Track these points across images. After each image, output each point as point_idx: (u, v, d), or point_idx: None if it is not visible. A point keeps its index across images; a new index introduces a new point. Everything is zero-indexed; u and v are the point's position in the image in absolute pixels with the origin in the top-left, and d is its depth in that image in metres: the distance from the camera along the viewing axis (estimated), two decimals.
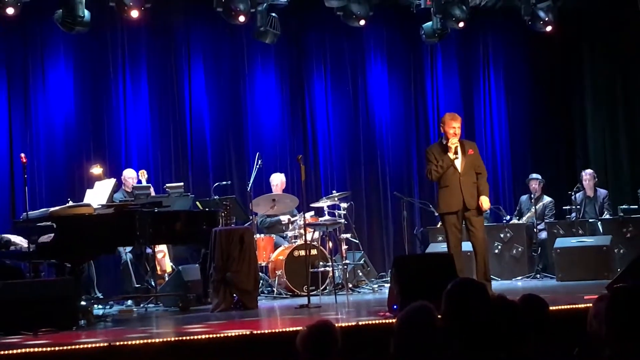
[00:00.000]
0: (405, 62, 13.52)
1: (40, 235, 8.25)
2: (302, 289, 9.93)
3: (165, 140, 11.99)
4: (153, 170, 11.56)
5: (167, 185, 10.21)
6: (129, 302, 10.03)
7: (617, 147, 13.76)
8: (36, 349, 5.83)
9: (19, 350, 5.79)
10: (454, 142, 8.60)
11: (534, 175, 12.54)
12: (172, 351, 5.99)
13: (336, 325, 4.35)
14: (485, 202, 8.71)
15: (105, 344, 5.94)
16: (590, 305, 3.12)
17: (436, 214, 10.64)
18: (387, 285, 9.24)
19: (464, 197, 8.55)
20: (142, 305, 9.77)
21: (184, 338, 6.23)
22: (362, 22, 11.92)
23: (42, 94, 11.38)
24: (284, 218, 11.26)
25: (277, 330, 6.54)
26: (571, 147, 14.14)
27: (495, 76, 13.98)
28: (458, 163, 8.61)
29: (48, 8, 10.79)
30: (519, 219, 12.40)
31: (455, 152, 8.59)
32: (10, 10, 10.20)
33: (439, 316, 3.59)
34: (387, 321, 6.63)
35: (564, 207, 12.17)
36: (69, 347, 5.88)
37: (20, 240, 8.39)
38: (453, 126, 8.62)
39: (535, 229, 12.00)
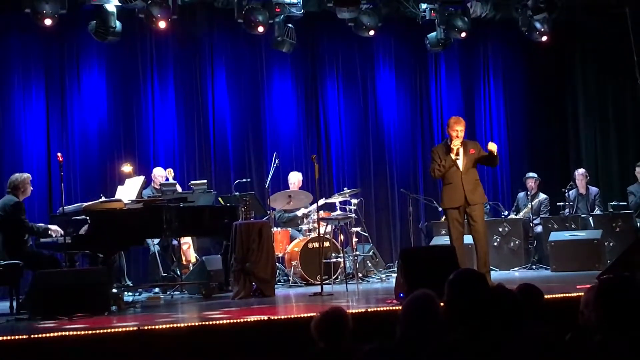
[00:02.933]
0: (411, 69, 13.49)
1: (75, 227, 8.27)
2: (316, 278, 9.93)
3: (190, 141, 12.01)
4: (179, 168, 11.57)
5: (192, 182, 10.21)
6: (157, 289, 10.06)
7: (607, 148, 13.70)
8: (71, 332, 5.86)
9: (56, 334, 5.81)
10: (456, 144, 8.56)
11: (531, 174, 12.49)
12: (195, 335, 6.00)
13: (347, 311, 4.35)
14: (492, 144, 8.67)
15: (135, 328, 5.96)
16: (582, 294, 3.10)
17: (440, 209, 10.63)
18: (394, 275, 9.22)
19: (465, 194, 8.51)
20: (168, 292, 9.82)
21: (207, 323, 6.23)
22: (372, 33, 11.90)
23: (77, 98, 11.41)
24: (299, 213, 11.26)
25: (292, 316, 6.53)
26: (565, 148, 14.09)
27: (495, 82, 13.93)
28: (460, 162, 8.58)
29: (83, 19, 10.82)
30: (516, 214, 12.35)
31: (457, 154, 8.56)
32: (47, 21, 10.23)
33: (441, 303, 3.58)
34: (394, 308, 6.61)
35: (558, 204, 12.11)
36: (102, 331, 5.89)
37: (56, 229, 8.40)
38: (456, 129, 8.58)
39: (531, 224, 11.98)
